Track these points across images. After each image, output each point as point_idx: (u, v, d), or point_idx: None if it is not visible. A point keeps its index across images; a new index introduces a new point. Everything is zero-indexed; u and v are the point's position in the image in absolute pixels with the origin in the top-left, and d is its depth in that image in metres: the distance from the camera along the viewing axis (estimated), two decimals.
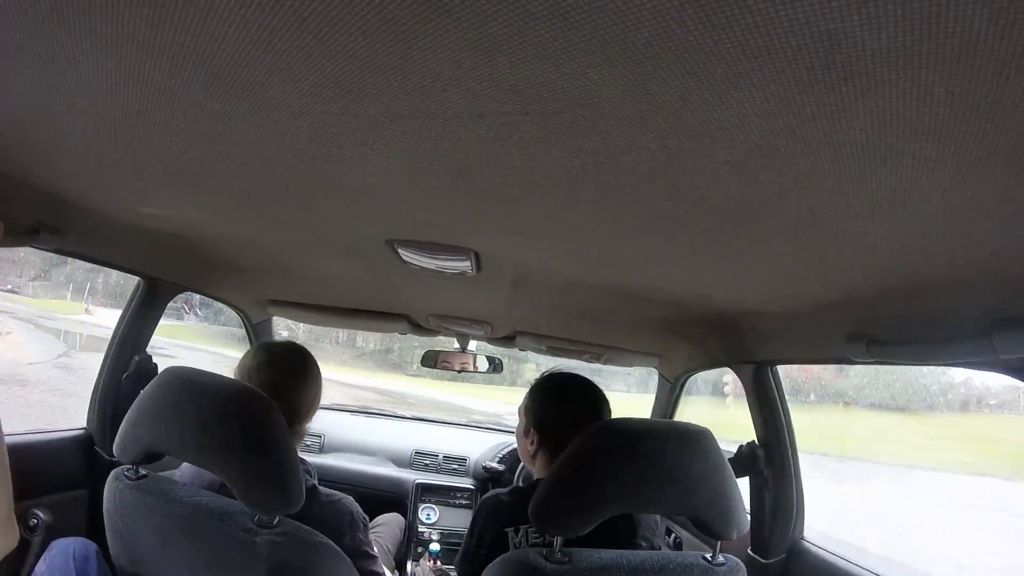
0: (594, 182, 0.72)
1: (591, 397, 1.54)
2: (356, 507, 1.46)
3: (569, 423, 1.46)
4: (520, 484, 2.58)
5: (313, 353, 1.55)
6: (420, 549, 2.76)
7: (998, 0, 0.35)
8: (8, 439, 1.45)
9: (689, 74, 0.45)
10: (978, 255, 0.77)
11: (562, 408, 1.53)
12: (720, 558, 1.28)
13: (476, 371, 2.97)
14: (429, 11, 0.44)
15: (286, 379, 1.45)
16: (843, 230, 0.76)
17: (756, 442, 1.77)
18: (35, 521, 1.55)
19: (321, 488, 1.35)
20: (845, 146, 0.53)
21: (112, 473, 1.30)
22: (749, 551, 1.75)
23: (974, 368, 1.11)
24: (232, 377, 1.44)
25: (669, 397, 2.47)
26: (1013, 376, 1.04)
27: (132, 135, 0.81)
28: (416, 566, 2.65)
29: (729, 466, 1.28)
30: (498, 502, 1.47)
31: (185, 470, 1.45)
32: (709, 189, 0.69)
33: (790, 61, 0.42)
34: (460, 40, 0.46)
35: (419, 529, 2.81)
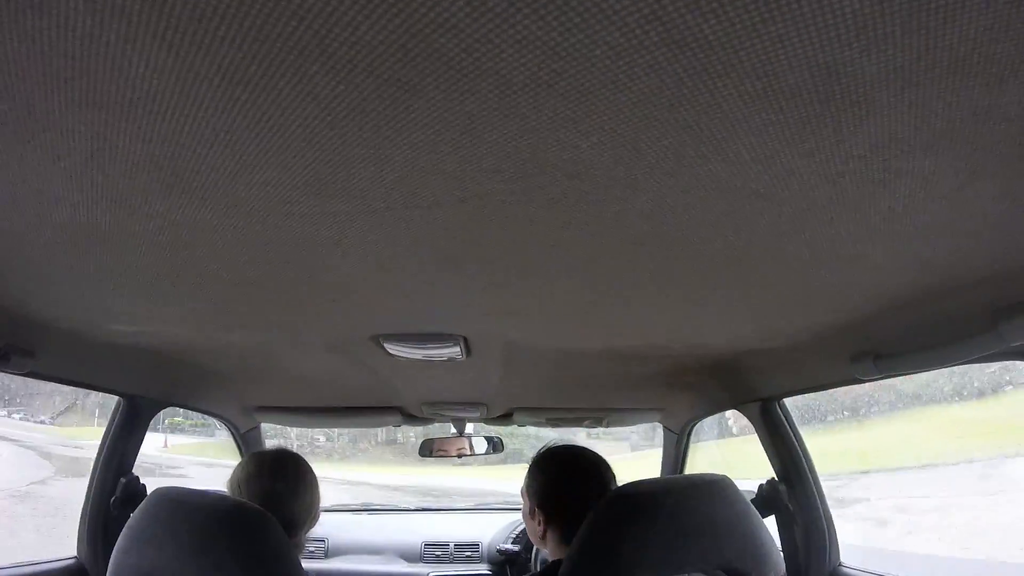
0: (584, 252, 0.71)
1: (593, 467, 1.49)
2: None
3: (574, 497, 1.42)
4: (536, 569, 2.49)
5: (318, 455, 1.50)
6: None
7: (995, 4, 0.34)
8: None
9: (684, 129, 0.44)
10: (978, 254, 0.77)
11: (564, 483, 1.48)
12: None
13: (475, 454, 2.89)
14: (399, 93, 0.42)
15: (278, 488, 1.39)
16: (842, 257, 0.75)
17: (776, 478, 1.73)
18: None
19: None
20: (844, 176, 0.52)
21: None
22: None
23: (986, 361, 1.12)
24: (224, 492, 1.39)
25: (677, 449, 2.43)
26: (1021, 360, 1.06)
27: (93, 249, 0.77)
28: None
29: (754, 509, 1.25)
30: None
31: None
32: (705, 243, 0.67)
33: (789, 100, 0.41)
34: (436, 121, 0.44)
35: None
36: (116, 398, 1.82)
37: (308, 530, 1.48)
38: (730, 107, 0.41)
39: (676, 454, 2.43)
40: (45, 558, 1.73)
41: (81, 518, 1.78)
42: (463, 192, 0.55)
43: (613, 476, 1.48)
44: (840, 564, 1.69)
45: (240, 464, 1.46)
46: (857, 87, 0.40)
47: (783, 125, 0.44)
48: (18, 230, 0.74)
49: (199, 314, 1.14)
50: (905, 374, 1.23)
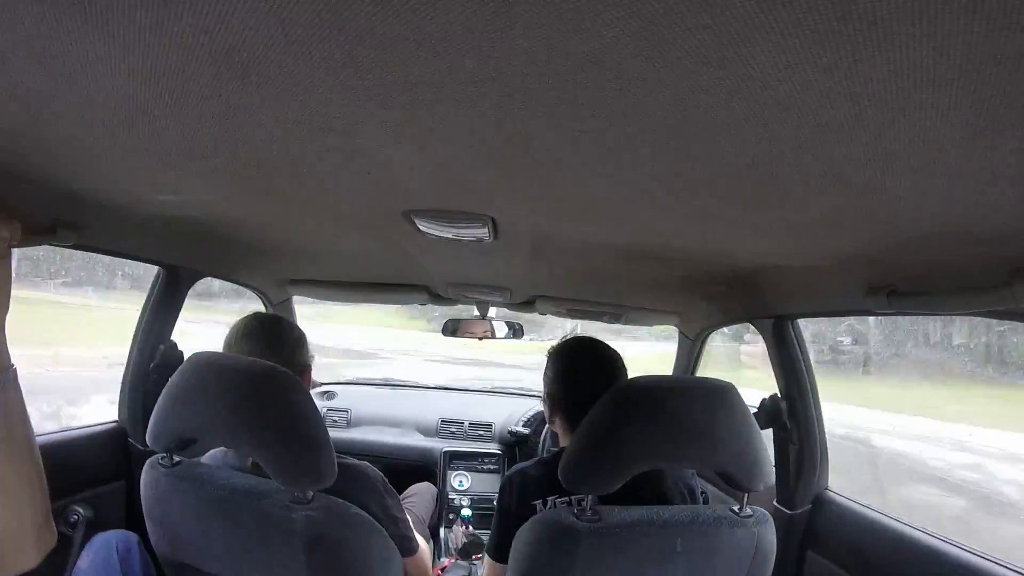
0: (609, 143, 0.72)
1: (604, 363, 1.54)
2: (377, 473, 1.48)
3: (581, 388, 1.48)
4: (544, 453, 2.61)
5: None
6: (452, 516, 2.82)
7: None
8: (41, 438, 1.48)
9: (704, 29, 0.45)
10: (997, 205, 0.77)
11: (573, 374, 1.55)
12: (748, 510, 1.30)
13: (495, 337, 2.99)
14: None
15: (252, 352, 1.45)
16: (862, 182, 0.75)
17: (779, 395, 1.78)
18: (75, 517, 1.59)
19: (339, 459, 1.38)
20: (863, 97, 0.53)
21: (147, 462, 1.33)
22: (775, 503, 1.77)
23: (995, 318, 1.12)
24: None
25: (690, 354, 2.49)
26: None
27: (145, 123, 0.81)
28: (449, 532, 2.71)
29: (754, 420, 1.30)
30: (524, 477, 1.48)
31: (212, 455, 1.49)
32: (727, 146, 0.69)
33: (806, 13, 0.42)
34: (472, 2, 0.46)
35: (450, 496, 2.87)
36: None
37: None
38: (749, 12, 0.42)
39: (689, 358, 2.49)
40: (88, 422, 1.85)
41: (122, 384, 1.90)
42: (494, 72, 0.56)
43: (625, 370, 1.53)
44: (827, 488, 1.76)
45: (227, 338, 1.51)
46: (873, 9, 0.40)
47: (801, 37, 0.45)
48: (71, 107, 0.77)
49: (239, 187, 1.17)
50: (917, 314, 1.24)
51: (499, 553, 1.42)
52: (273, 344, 1.47)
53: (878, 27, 0.42)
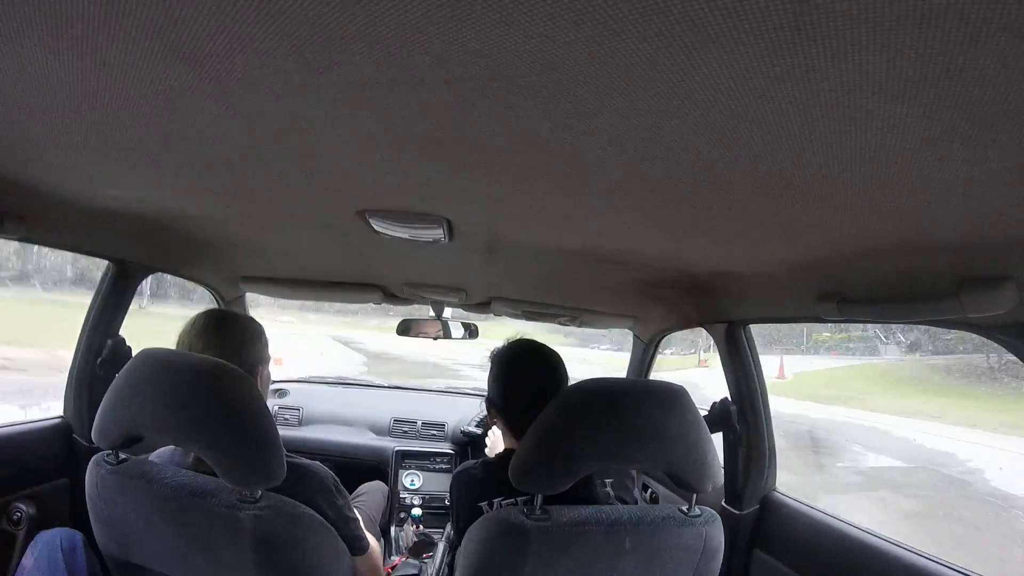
0: (563, 147, 0.72)
1: (543, 362, 1.54)
2: (328, 472, 1.46)
3: (520, 391, 1.49)
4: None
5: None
6: (403, 515, 2.80)
7: None
8: None
9: (657, 36, 0.45)
10: (947, 216, 0.78)
11: (511, 383, 1.54)
12: (696, 510, 1.32)
13: (450, 337, 2.97)
14: None
15: (211, 346, 1.41)
16: (813, 191, 0.76)
17: (728, 399, 1.81)
18: (18, 515, 1.55)
19: (289, 458, 1.35)
20: (815, 107, 0.53)
21: (92, 459, 1.29)
22: (723, 503, 1.80)
23: (942, 327, 1.14)
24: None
25: (644, 357, 2.51)
26: (980, 334, 1.07)
27: (92, 116, 0.78)
28: (400, 531, 2.70)
29: (704, 422, 1.31)
30: (469, 477, 1.48)
31: (160, 453, 1.44)
32: (679, 152, 0.69)
33: (759, 22, 0.41)
34: (425, 3, 0.45)
35: (401, 495, 2.85)
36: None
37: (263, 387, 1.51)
38: (702, 21, 0.42)
39: (642, 362, 2.51)
40: (31, 419, 1.79)
41: (68, 378, 1.84)
42: (447, 74, 0.55)
43: (564, 371, 1.53)
44: (774, 489, 1.79)
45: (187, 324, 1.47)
46: (827, 20, 0.40)
47: (754, 46, 0.44)
48: (20, 96, 0.75)
49: (190, 182, 1.15)
50: (865, 322, 1.27)
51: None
52: (225, 340, 1.43)
53: (832, 38, 0.43)
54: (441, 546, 2.48)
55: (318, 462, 1.46)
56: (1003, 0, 0.37)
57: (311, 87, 0.63)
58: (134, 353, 1.31)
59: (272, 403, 3.10)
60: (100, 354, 1.81)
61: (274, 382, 3.32)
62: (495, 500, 1.40)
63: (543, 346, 1.57)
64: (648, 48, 0.46)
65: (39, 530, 1.34)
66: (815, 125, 0.57)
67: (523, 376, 1.52)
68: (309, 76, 0.60)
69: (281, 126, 0.76)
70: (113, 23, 0.53)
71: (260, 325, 1.55)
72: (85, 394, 1.82)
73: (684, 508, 1.32)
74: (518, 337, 1.61)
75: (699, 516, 1.31)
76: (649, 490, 2.27)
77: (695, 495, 1.31)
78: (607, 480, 1.48)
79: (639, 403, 1.25)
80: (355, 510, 1.54)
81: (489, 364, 1.60)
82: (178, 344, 1.44)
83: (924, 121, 0.53)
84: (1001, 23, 0.39)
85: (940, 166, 0.63)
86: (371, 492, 2.66)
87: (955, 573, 1.24)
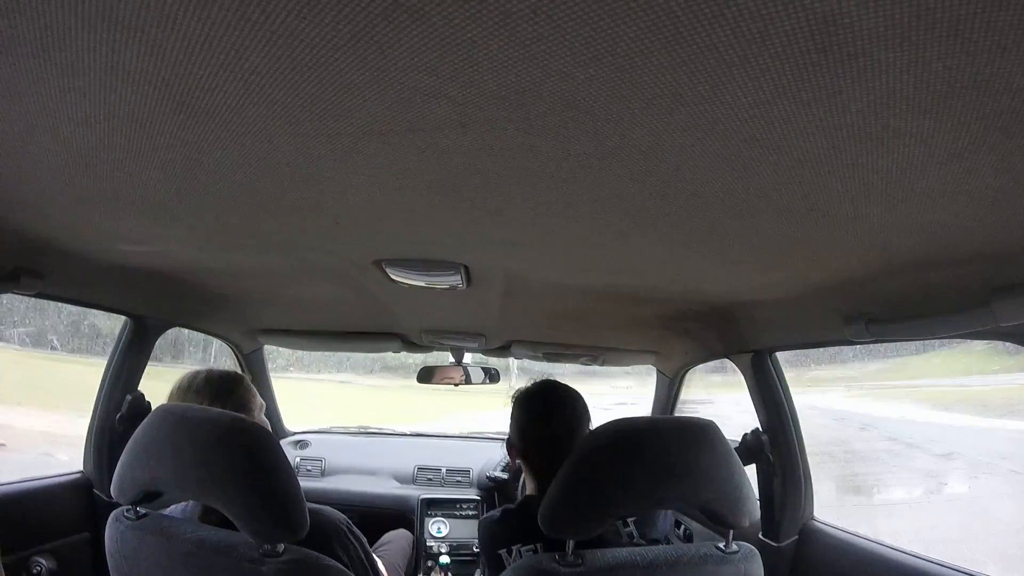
0: (583, 186, 0.71)
1: (562, 404, 1.52)
2: (341, 516, 1.45)
3: (541, 433, 1.48)
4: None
5: None
6: (430, 563, 2.77)
7: None
8: (4, 488, 1.46)
9: (680, 67, 0.44)
10: (975, 227, 0.77)
11: (534, 420, 1.53)
12: (733, 546, 1.28)
13: (471, 383, 2.95)
14: (403, 17, 0.42)
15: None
16: (838, 213, 0.75)
17: (760, 429, 1.78)
18: (39, 569, 1.55)
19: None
20: (841, 129, 0.52)
21: (112, 515, 1.28)
22: (760, 536, 1.76)
23: (975, 339, 1.12)
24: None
25: (669, 392, 2.48)
26: (1014, 342, 1.06)
27: (104, 170, 0.79)
28: None
29: (736, 456, 1.29)
30: (489, 524, 1.47)
31: (174, 509, 1.44)
32: (702, 184, 0.68)
33: (786, 47, 0.41)
34: (439, 46, 0.44)
35: (428, 543, 2.82)
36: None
37: None
38: (727, 48, 0.41)
39: (668, 397, 2.48)
40: (50, 474, 1.80)
41: (88, 434, 1.85)
42: (464, 117, 0.55)
43: (586, 411, 1.52)
44: (813, 518, 1.74)
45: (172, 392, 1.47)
46: (855, 40, 0.40)
47: (780, 72, 0.44)
48: (31, 153, 0.75)
49: (204, 235, 1.15)
50: (896, 340, 1.24)
51: None
52: (221, 397, 1.44)
53: (859, 58, 0.42)
54: None
55: (329, 507, 1.45)
56: None
57: (324, 136, 0.63)
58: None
59: (293, 454, 3.09)
60: (119, 409, 1.82)
61: (295, 433, 3.32)
62: (514, 547, 1.37)
63: (564, 386, 1.56)
64: (670, 79, 0.46)
65: None
66: (841, 147, 0.56)
67: (543, 416, 1.51)
68: (322, 125, 0.60)
69: (295, 176, 0.76)
70: (119, 77, 0.53)
71: (240, 375, 1.56)
72: (105, 449, 1.83)
73: (721, 545, 1.28)
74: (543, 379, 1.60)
75: (737, 552, 1.28)
76: (683, 527, 2.23)
77: (731, 531, 1.28)
78: (630, 520, 1.45)
79: (668, 441, 1.23)
80: (375, 556, 1.52)
81: (512, 406, 1.58)
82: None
83: (952, 135, 0.52)
84: None
85: (967, 178, 0.61)
86: (395, 540, 2.63)
87: None
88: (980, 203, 0.69)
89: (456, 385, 2.84)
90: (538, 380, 1.60)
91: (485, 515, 1.56)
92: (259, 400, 1.55)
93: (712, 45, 0.41)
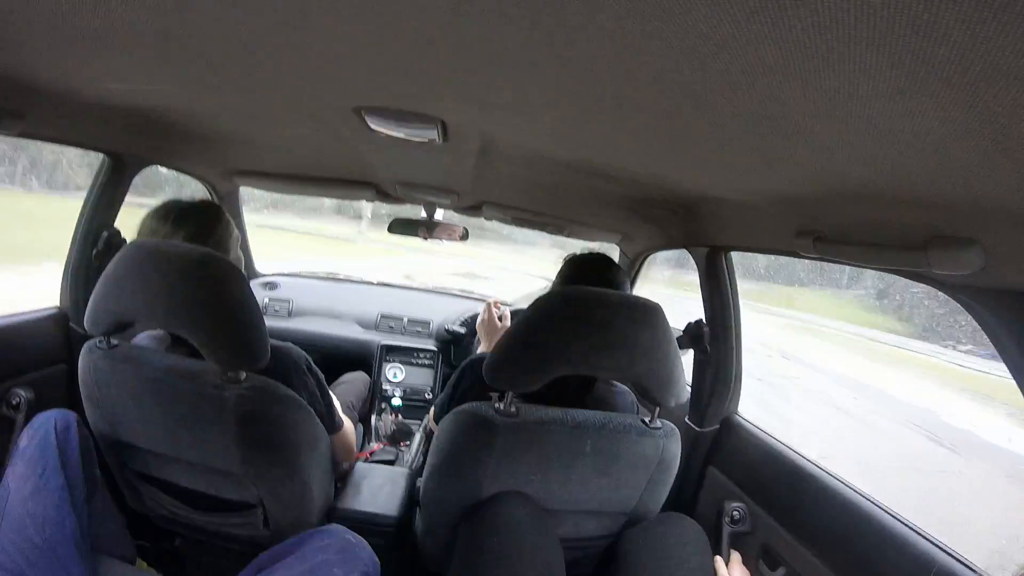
0: (552, 59, 0.72)
1: (602, 275, 1.60)
2: (301, 353, 1.54)
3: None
4: (476, 354, 2.72)
5: None
6: (383, 405, 2.91)
7: None
8: None
9: None
10: (919, 170, 0.80)
11: (572, 280, 1.62)
12: (657, 422, 1.39)
13: (441, 239, 2.99)
14: None
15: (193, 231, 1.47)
16: (792, 127, 0.78)
17: (703, 320, 1.87)
18: (17, 399, 1.64)
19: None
20: (788, 43, 0.54)
21: (85, 346, 1.36)
22: (686, 419, 1.89)
23: (909, 278, 1.17)
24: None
25: (628, 272, 2.56)
26: (944, 291, 1.10)
27: (92, 9, 0.78)
28: (379, 420, 2.82)
29: (675, 340, 1.37)
30: (473, 364, 1.58)
31: (141, 338, 1.52)
32: (664, 72, 0.70)
33: None
34: None
35: (383, 387, 2.95)
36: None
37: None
38: None
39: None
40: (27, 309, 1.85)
41: (64, 270, 1.89)
42: None
43: (621, 276, 1.62)
44: (735, 412, 1.88)
45: (145, 218, 1.51)
46: None
47: None
48: None
49: (187, 75, 1.14)
50: (839, 262, 1.29)
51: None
52: (200, 236, 1.49)
53: None
54: (418, 435, 2.60)
55: (291, 344, 1.54)
56: None
57: None
58: None
59: (262, 295, 3.17)
60: (95, 245, 1.86)
61: (265, 275, 3.37)
62: (508, 393, 1.47)
63: (611, 262, 1.66)
64: None
65: (37, 413, 1.42)
66: (789, 60, 0.58)
67: (586, 278, 1.58)
68: None
69: (278, 20, 0.76)
70: None
71: (220, 208, 1.59)
72: (81, 284, 1.88)
73: (646, 419, 1.39)
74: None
75: (659, 428, 1.39)
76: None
77: (658, 408, 1.39)
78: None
79: (612, 313, 1.30)
80: (328, 391, 1.63)
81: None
82: (139, 230, 1.49)
83: (893, 71, 0.55)
84: None
85: (911, 118, 0.64)
86: (352, 381, 2.76)
87: (892, 517, 1.30)
88: (924, 147, 0.71)
89: (425, 239, 2.89)
90: (588, 251, 1.70)
91: (478, 355, 1.68)
92: (236, 233, 1.59)
93: None
